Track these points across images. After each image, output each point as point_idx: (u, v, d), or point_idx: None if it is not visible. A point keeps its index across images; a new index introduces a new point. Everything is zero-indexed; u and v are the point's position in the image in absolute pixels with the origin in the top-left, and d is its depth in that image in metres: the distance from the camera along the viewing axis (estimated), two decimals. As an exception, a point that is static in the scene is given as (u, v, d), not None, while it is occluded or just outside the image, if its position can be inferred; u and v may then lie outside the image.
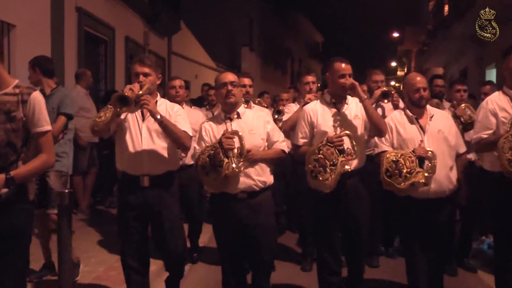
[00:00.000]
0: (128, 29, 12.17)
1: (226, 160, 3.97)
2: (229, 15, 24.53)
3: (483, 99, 7.50)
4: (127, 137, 4.24)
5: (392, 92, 5.69)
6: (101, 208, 8.94)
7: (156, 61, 4.48)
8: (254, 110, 4.76)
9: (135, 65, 4.28)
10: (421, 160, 4.23)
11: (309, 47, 44.54)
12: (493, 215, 4.70)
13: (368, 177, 4.61)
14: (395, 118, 4.62)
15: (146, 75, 4.21)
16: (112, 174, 7.54)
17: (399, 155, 4.27)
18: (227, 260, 4.43)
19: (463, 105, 6.02)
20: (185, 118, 4.41)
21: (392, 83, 41.07)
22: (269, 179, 4.28)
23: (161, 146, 4.28)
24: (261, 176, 4.19)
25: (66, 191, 4.11)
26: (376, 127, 4.42)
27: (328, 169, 4.16)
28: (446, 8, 16.98)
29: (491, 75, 14.64)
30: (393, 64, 46.04)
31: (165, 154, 4.30)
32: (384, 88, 5.76)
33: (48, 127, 3.14)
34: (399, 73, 40.04)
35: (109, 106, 3.97)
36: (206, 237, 6.86)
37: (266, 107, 7.02)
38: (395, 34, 38.90)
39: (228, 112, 4.29)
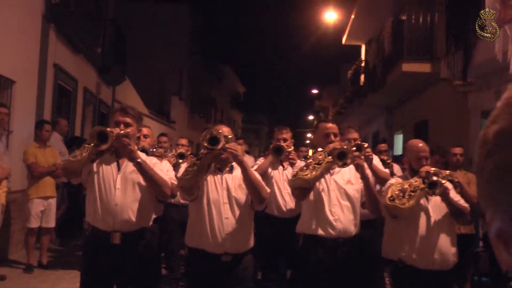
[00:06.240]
0: (86, 80, 13.36)
1: None
2: (162, 65, 25.17)
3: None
4: (99, 188, 3.92)
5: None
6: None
7: (138, 113, 4.22)
8: None
9: (116, 114, 4.08)
10: (431, 184, 4.05)
11: (231, 97, 46.26)
12: None
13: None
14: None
15: (127, 125, 3.98)
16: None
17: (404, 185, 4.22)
18: None
19: None
20: (163, 170, 4.25)
21: (309, 135, 43.78)
22: None
23: (136, 199, 3.98)
24: None
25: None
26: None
27: None
28: (362, 78, 18.66)
29: (399, 139, 16.77)
30: (310, 117, 48.71)
31: (140, 208, 3.99)
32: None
33: None
34: (317, 126, 42.50)
35: (86, 145, 3.78)
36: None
37: None
38: (314, 91, 41.80)
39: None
